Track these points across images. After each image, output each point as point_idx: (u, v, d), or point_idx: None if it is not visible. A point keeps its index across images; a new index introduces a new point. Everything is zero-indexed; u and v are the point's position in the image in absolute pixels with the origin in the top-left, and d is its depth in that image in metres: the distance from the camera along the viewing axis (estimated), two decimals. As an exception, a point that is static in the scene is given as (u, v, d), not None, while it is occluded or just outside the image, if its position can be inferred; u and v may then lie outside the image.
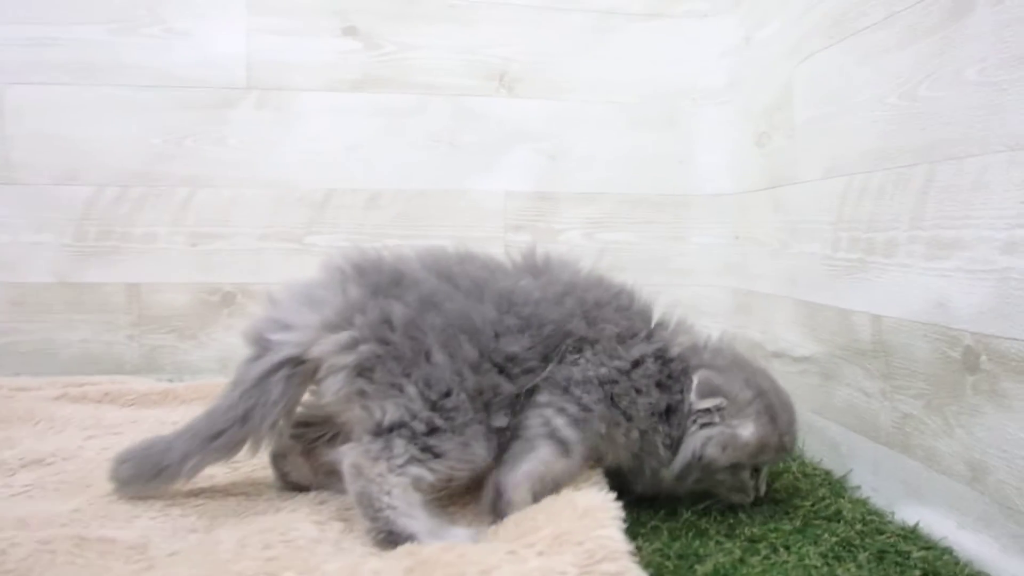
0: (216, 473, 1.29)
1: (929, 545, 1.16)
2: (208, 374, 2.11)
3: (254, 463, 1.28)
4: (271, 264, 2.18)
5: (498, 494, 1.16)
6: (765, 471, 1.31)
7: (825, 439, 1.58)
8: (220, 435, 1.16)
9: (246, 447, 1.20)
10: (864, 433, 1.44)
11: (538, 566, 0.89)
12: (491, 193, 2.27)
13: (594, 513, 1.02)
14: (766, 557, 1.11)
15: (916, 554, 1.12)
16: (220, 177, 2.17)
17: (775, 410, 1.26)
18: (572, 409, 1.18)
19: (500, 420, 1.18)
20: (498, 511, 1.15)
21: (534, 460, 1.16)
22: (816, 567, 1.08)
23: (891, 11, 1.35)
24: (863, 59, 1.45)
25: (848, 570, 1.07)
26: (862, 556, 1.12)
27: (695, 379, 1.24)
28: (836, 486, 1.42)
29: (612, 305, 1.28)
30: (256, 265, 2.18)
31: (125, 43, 2.13)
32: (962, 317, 1.16)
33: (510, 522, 1.10)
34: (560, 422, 1.18)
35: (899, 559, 1.11)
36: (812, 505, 1.30)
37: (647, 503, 1.26)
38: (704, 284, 2.25)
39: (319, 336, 1.15)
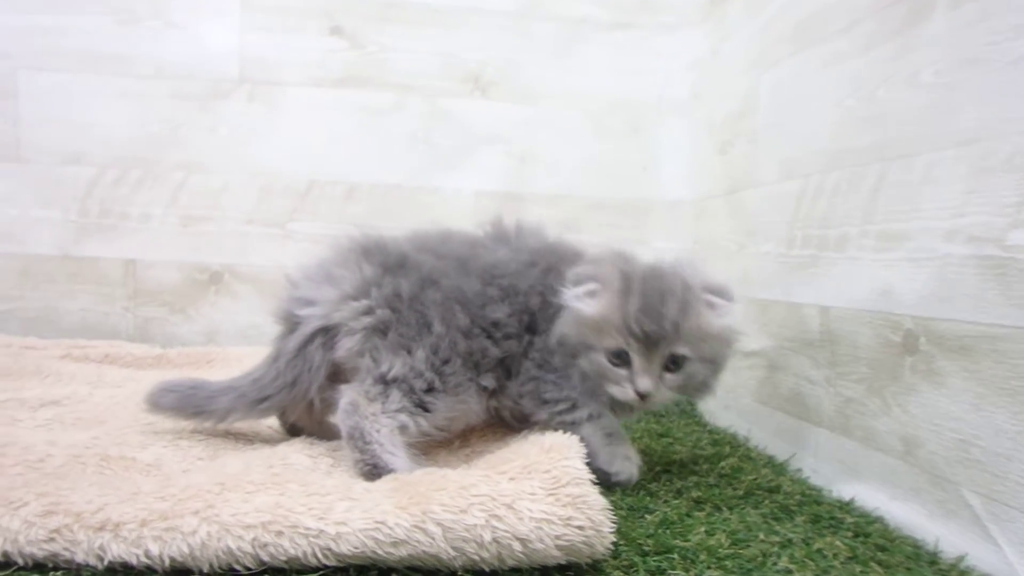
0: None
1: (862, 514, 1.27)
2: (196, 346, 2.20)
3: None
4: (256, 247, 2.29)
5: None
6: (639, 364, 1.28)
7: (770, 427, 1.67)
8: (267, 399, 1.30)
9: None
10: (807, 419, 1.52)
11: (510, 487, 1.01)
12: (462, 191, 2.36)
13: (559, 448, 1.14)
14: (710, 514, 1.22)
15: (849, 520, 1.23)
16: (211, 164, 2.28)
17: (629, 292, 1.28)
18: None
19: (488, 380, 1.33)
20: None
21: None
22: (756, 524, 1.18)
23: (853, 19, 1.42)
24: (825, 65, 1.52)
25: (786, 527, 1.17)
26: (799, 519, 1.22)
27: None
28: (778, 468, 1.51)
29: (558, 268, 1.36)
30: (242, 247, 2.29)
31: (128, 34, 2.23)
32: (904, 303, 1.24)
33: (482, 461, 1.24)
34: None
35: (833, 523, 1.22)
36: (755, 479, 1.40)
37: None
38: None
39: (340, 305, 1.29)
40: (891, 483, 1.27)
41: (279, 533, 0.92)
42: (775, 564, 1.03)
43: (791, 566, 1.02)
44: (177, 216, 2.28)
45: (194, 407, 1.33)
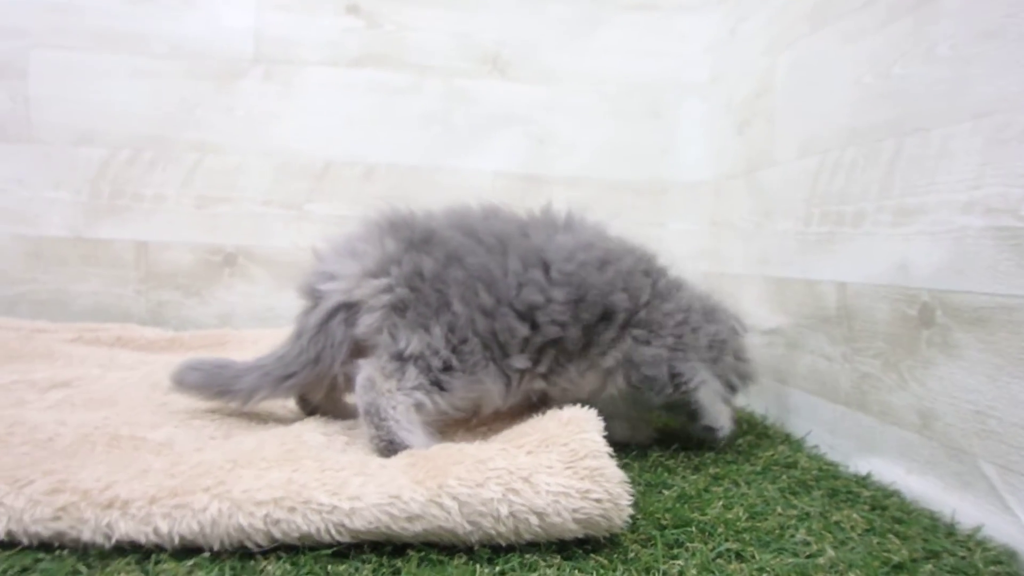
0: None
1: (879, 488, 1.27)
2: (210, 329, 2.20)
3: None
4: (272, 229, 2.29)
5: None
6: None
7: (788, 405, 1.67)
8: (291, 376, 1.29)
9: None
10: (824, 396, 1.51)
11: (528, 461, 1.00)
12: (480, 172, 2.35)
13: (577, 422, 1.13)
14: (727, 489, 1.22)
15: (866, 494, 1.23)
16: (227, 144, 2.27)
17: None
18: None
19: (520, 362, 1.30)
20: None
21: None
22: (774, 498, 1.18)
23: (873, -6, 1.41)
24: (843, 42, 1.50)
25: (803, 501, 1.18)
26: (816, 493, 1.23)
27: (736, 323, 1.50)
28: (795, 444, 1.51)
29: (640, 269, 1.41)
30: (258, 229, 2.28)
31: (142, 12, 2.22)
32: (921, 276, 1.23)
33: (499, 436, 1.22)
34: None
35: (850, 496, 1.22)
36: (772, 455, 1.41)
37: (619, 448, 1.29)
38: (679, 268, 2.27)
39: (361, 282, 1.28)
40: (908, 457, 1.27)
41: (291, 509, 0.91)
42: (793, 536, 1.03)
43: (809, 538, 1.02)
44: (191, 197, 2.27)
45: (219, 386, 1.32)
